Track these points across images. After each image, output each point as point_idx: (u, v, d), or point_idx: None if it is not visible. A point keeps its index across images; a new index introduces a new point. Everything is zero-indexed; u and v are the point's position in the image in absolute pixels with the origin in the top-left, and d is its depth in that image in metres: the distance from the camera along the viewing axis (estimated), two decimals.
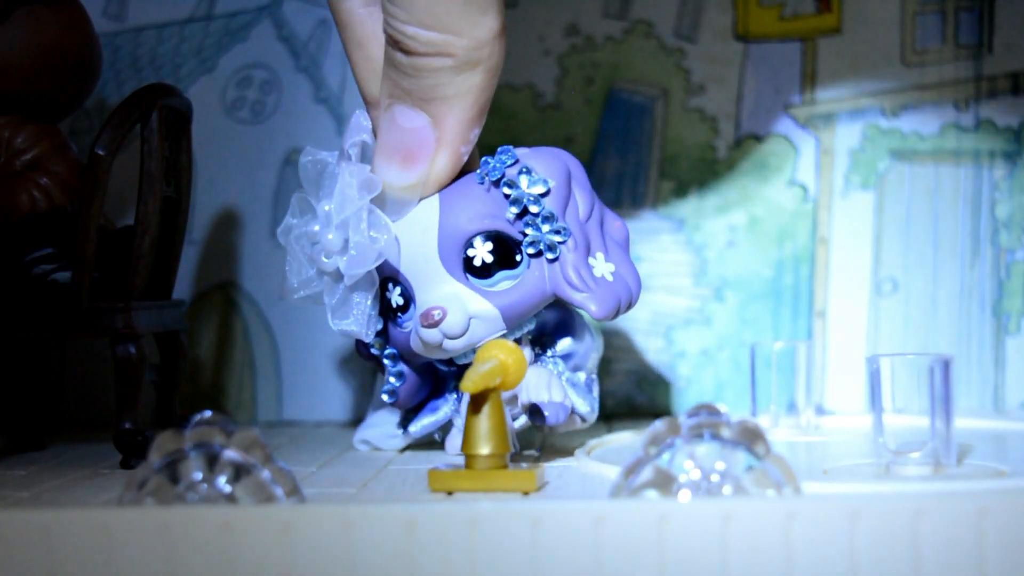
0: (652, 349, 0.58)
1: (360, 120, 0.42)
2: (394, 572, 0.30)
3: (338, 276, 0.42)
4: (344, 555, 0.30)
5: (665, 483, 0.31)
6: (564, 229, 0.41)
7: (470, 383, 0.36)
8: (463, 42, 0.39)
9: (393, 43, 0.39)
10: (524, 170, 0.42)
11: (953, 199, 0.58)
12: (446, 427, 0.45)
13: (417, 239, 0.41)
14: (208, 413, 0.33)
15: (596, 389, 0.44)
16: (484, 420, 0.37)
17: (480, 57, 0.40)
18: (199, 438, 0.32)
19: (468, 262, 0.41)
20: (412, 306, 0.42)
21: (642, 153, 0.58)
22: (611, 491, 0.32)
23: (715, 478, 0.31)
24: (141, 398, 0.46)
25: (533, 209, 0.41)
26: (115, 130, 0.45)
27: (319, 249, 0.41)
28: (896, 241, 0.58)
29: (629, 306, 0.42)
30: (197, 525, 0.30)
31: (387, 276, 0.42)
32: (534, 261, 0.42)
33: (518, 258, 0.42)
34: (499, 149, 0.42)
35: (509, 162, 0.42)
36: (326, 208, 0.41)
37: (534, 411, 0.42)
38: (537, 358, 0.43)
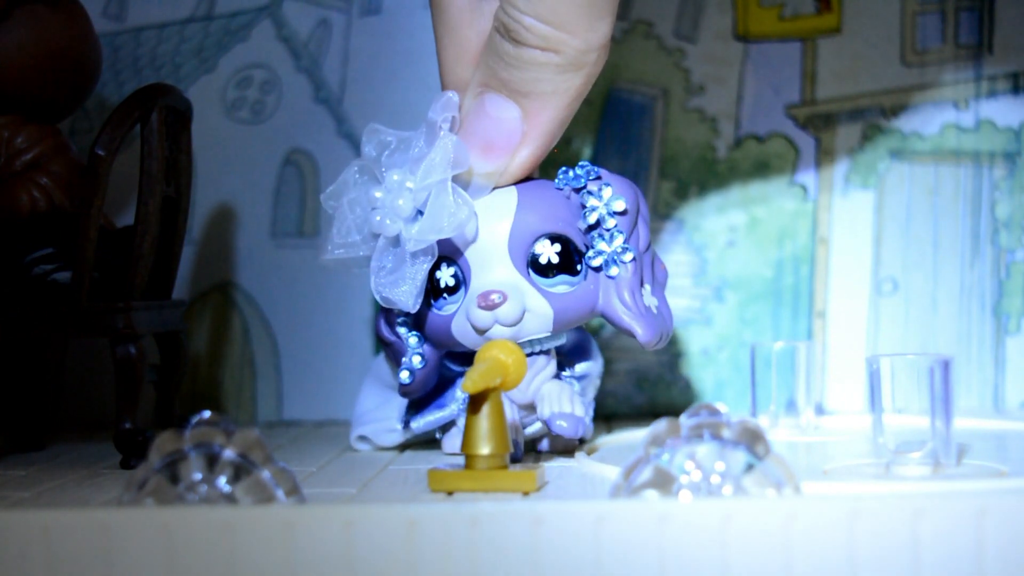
0: (652, 349, 0.58)
1: (452, 98, 0.42)
2: (394, 572, 0.30)
3: (395, 242, 0.41)
4: (344, 555, 0.30)
5: (665, 483, 0.31)
6: (630, 250, 0.42)
7: (470, 383, 0.36)
8: (575, 43, 0.40)
9: (504, 31, 0.40)
10: (607, 184, 0.43)
11: (953, 199, 0.58)
12: (446, 425, 0.45)
13: (489, 224, 0.42)
14: (208, 413, 0.33)
15: (591, 414, 0.45)
16: (484, 420, 0.37)
17: (586, 61, 0.40)
18: (199, 438, 0.32)
19: (534, 259, 0.42)
20: (462, 289, 0.42)
21: (642, 153, 0.58)
22: (611, 491, 0.32)
23: (715, 478, 0.31)
24: (141, 398, 0.46)
25: (609, 223, 0.42)
26: (115, 130, 0.45)
27: (382, 213, 0.41)
28: (896, 241, 0.58)
29: (667, 340, 0.44)
30: (197, 525, 0.30)
31: (443, 255, 0.42)
32: (591, 274, 0.42)
33: (578, 268, 0.42)
34: (580, 163, 0.43)
35: (593, 176, 0.43)
36: (395, 177, 0.41)
37: (553, 422, 0.42)
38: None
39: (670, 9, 0.58)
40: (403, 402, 0.46)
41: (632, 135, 0.58)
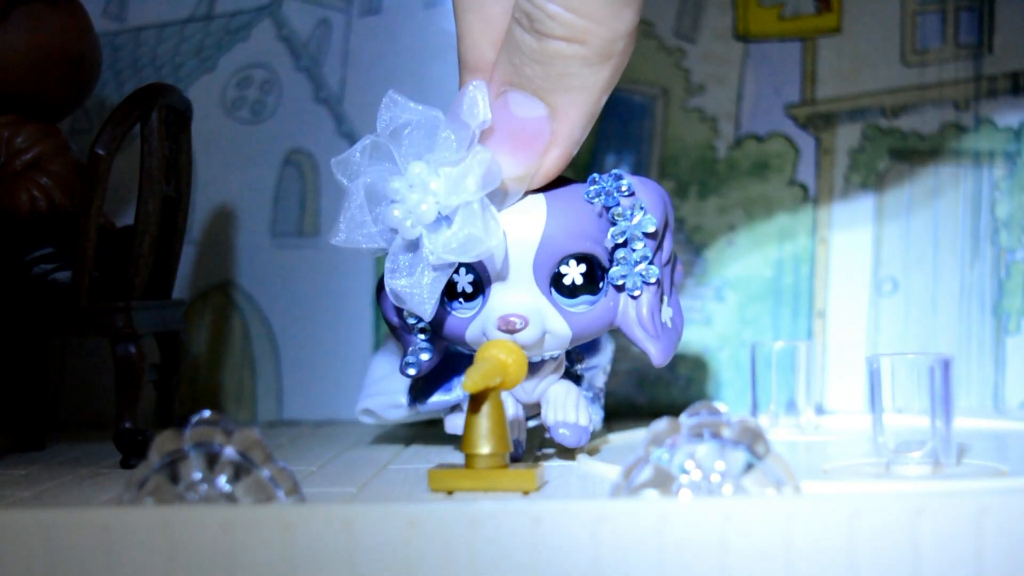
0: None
1: (479, 98, 0.39)
2: (394, 572, 0.30)
3: (413, 244, 0.39)
4: (344, 555, 0.30)
5: (665, 483, 0.31)
6: (655, 272, 0.41)
7: (470, 382, 0.36)
8: (602, 31, 0.38)
9: (528, 21, 0.37)
10: (640, 206, 0.41)
11: (953, 199, 0.58)
12: (453, 406, 0.45)
13: (516, 241, 0.40)
14: (208, 413, 0.33)
15: (601, 402, 0.44)
16: (484, 419, 0.37)
17: (614, 51, 0.38)
18: (199, 438, 0.32)
19: (557, 278, 0.40)
20: (481, 297, 0.41)
21: (642, 153, 0.58)
22: (611, 491, 0.32)
23: (715, 478, 0.31)
24: (141, 398, 0.46)
25: (637, 246, 0.41)
26: (115, 130, 0.45)
27: (402, 210, 0.39)
28: (896, 241, 0.58)
29: (676, 348, 0.43)
30: (197, 525, 0.30)
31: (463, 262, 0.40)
32: (611, 290, 0.41)
33: (600, 284, 0.41)
34: (612, 173, 0.41)
35: (626, 192, 0.41)
36: (417, 170, 0.38)
37: (556, 430, 0.42)
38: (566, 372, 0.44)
39: (670, 9, 0.58)
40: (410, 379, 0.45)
41: (632, 135, 0.58)
